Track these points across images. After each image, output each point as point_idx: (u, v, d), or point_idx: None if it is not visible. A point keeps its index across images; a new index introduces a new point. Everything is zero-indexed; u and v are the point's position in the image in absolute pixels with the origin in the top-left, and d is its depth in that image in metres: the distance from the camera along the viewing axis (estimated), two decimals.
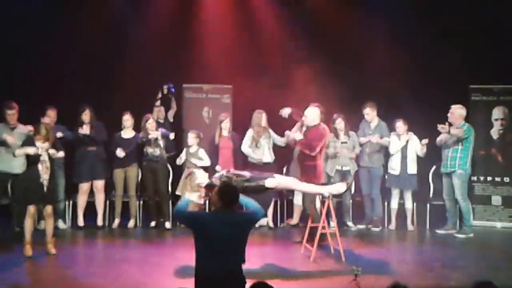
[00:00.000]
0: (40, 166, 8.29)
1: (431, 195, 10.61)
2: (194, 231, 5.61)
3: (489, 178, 10.71)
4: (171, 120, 11.11)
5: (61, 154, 8.67)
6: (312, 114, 8.98)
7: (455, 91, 10.56)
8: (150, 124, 10.27)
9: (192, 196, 6.69)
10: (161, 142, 10.33)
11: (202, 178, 8.06)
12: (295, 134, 9.06)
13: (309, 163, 8.85)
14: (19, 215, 8.93)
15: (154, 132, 10.23)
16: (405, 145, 10.26)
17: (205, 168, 9.66)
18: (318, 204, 9.25)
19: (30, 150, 8.34)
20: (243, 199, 5.90)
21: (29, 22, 10.75)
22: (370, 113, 10.40)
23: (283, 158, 10.63)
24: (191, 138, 10.36)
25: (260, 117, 10.23)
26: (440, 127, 9.78)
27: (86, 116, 10.17)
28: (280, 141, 10.23)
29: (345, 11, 11.22)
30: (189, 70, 11.45)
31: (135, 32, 11.23)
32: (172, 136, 10.43)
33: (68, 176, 10.28)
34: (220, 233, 5.45)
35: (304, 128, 9.10)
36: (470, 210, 10.08)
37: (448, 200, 10.15)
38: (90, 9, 10.94)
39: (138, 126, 10.43)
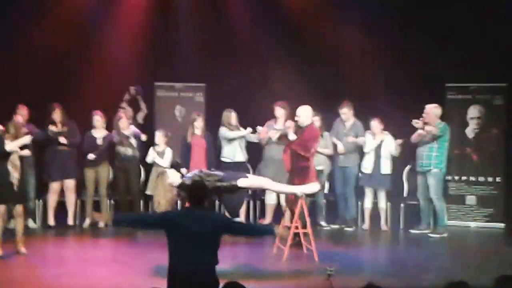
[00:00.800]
0: (9, 165, 8.17)
1: (405, 194, 10.57)
2: (165, 230, 5.61)
3: (463, 178, 10.69)
4: (141, 121, 10.98)
5: (25, 152, 8.50)
6: (305, 113, 8.85)
7: (431, 89, 10.56)
8: (122, 123, 10.16)
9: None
10: (133, 142, 10.21)
11: (174, 177, 8.01)
12: (289, 134, 8.95)
13: (302, 164, 8.72)
14: None
15: (126, 130, 10.13)
16: (379, 145, 10.22)
17: (176, 168, 9.56)
18: None
19: (25, 140, 8.30)
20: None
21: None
22: (347, 112, 10.34)
23: (257, 157, 10.53)
24: (159, 137, 10.26)
25: (229, 116, 10.15)
26: (414, 121, 9.75)
27: (56, 115, 10.07)
28: (253, 137, 10.16)
29: (320, 8, 11.19)
30: (160, 68, 11.39)
31: (106, 29, 11.14)
32: (143, 137, 10.33)
33: (38, 175, 10.13)
34: (191, 230, 5.45)
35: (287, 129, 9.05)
36: (444, 209, 10.05)
37: (423, 200, 10.11)
38: (60, 5, 10.85)
39: (109, 126, 10.32)
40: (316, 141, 8.92)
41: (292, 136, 8.87)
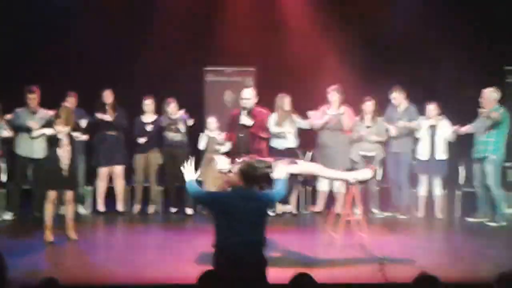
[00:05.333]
0: (60, 151, 8.20)
1: (461, 182, 10.31)
2: (213, 209, 5.65)
3: None
4: None
5: (85, 137, 8.52)
6: (253, 95, 9.08)
7: (488, 72, 10.25)
8: (172, 108, 10.09)
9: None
10: (181, 127, 10.13)
11: (223, 164, 7.91)
12: (343, 120, 9.24)
13: (262, 146, 9.09)
14: (40, 200, 8.84)
15: (177, 113, 10.08)
16: (434, 130, 9.96)
17: (226, 154, 9.47)
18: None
19: (47, 131, 8.34)
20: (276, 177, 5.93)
21: (50, 5, 10.65)
22: (397, 97, 10.10)
23: (308, 143, 10.38)
24: (213, 123, 10.15)
25: (283, 100, 9.96)
26: (480, 111, 9.49)
27: (107, 98, 10.06)
28: (304, 124, 9.98)
29: None
30: (210, 52, 11.27)
31: (156, 15, 11.04)
32: (191, 122, 10.22)
33: (89, 160, 10.20)
34: (240, 209, 5.48)
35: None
36: (502, 197, 9.70)
37: (480, 187, 9.80)
38: None
39: (159, 110, 10.28)
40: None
41: (347, 125, 8.79)
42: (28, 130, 9.40)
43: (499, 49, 10.30)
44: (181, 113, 10.13)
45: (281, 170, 6.23)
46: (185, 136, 10.22)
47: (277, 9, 11.33)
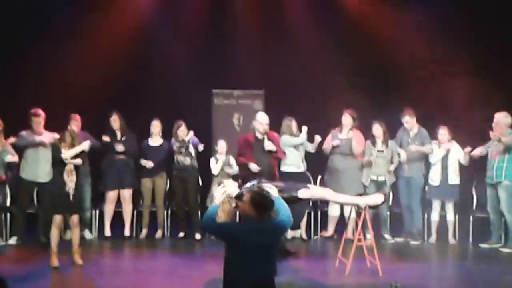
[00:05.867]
0: (65, 175, 8.09)
1: (474, 207, 10.20)
2: (226, 241, 5.46)
3: None
4: None
5: (78, 161, 8.37)
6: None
7: (501, 95, 10.17)
8: (182, 131, 10.01)
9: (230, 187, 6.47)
10: (192, 151, 10.03)
11: (231, 188, 7.77)
12: (352, 144, 9.23)
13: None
14: (45, 225, 8.77)
15: (189, 135, 9.99)
16: (446, 154, 9.88)
17: (234, 178, 9.36)
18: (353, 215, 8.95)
19: (84, 146, 8.24)
20: (277, 202, 5.65)
21: (54, 28, 10.64)
22: (409, 121, 10.01)
23: (317, 167, 10.27)
24: (223, 146, 10.07)
25: (290, 124, 9.86)
26: (491, 134, 9.39)
27: (115, 122, 9.99)
28: (311, 147, 9.87)
29: (386, 13, 11.00)
30: (218, 75, 11.28)
31: (163, 37, 11.06)
32: (201, 147, 10.14)
33: (94, 184, 10.11)
34: (254, 243, 5.29)
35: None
36: None
37: (493, 213, 9.69)
38: (116, 13, 10.86)
39: (165, 134, 10.19)
40: None
41: (356, 149, 9.04)
42: (36, 145, 9.32)
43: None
44: (191, 135, 10.02)
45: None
46: (195, 160, 10.13)
47: (286, 32, 11.32)
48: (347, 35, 11.18)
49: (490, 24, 10.54)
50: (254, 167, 8.89)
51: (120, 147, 9.93)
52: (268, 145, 8.96)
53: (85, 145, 8.29)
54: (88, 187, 9.93)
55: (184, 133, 10.03)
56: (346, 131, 9.86)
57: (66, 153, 8.14)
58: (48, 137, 9.42)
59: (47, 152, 8.95)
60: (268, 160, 8.99)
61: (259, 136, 9.05)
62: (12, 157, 9.32)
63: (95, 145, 9.70)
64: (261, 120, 9.00)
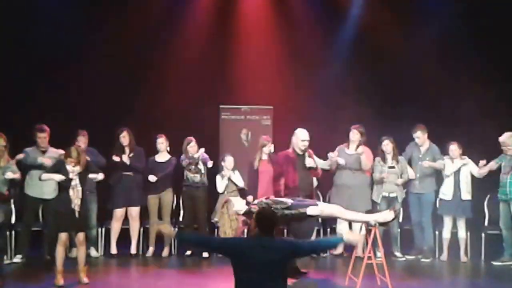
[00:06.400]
0: (71, 192, 8.01)
1: (486, 224, 10.05)
2: (231, 258, 5.35)
3: None
4: None
5: (101, 176, 8.44)
6: None
7: (508, 106, 10.12)
8: (192, 147, 9.91)
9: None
10: (201, 168, 9.94)
11: (239, 205, 7.71)
12: (362, 160, 9.09)
13: None
14: (50, 243, 8.67)
15: (199, 151, 9.89)
16: (457, 170, 9.76)
17: (242, 195, 9.25)
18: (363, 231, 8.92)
19: (57, 177, 8.08)
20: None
21: (61, 44, 10.60)
22: (421, 136, 9.92)
23: (325, 183, 10.18)
24: (231, 162, 9.97)
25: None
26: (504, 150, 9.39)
27: (124, 138, 9.90)
28: (324, 164, 9.74)
29: (396, 28, 10.92)
30: (226, 90, 11.20)
31: (171, 52, 11.01)
32: (210, 164, 10.03)
33: (101, 201, 9.99)
34: (258, 260, 5.19)
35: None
36: None
37: (505, 229, 9.56)
38: (122, 28, 10.77)
39: (175, 149, 10.08)
40: None
41: (365, 165, 9.20)
42: (40, 167, 9.22)
43: None
44: (202, 152, 9.93)
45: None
46: (205, 177, 10.04)
47: (295, 48, 11.26)
48: (356, 50, 11.12)
49: (496, 36, 10.46)
50: None
51: (124, 158, 9.83)
52: (310, 162, 8.81)
53: (59, 177, 8.08)
54: (95, 204, 9.82)
55: (194, 149, 9.93)
56: (354, 147, 9.73)
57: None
58: (52, 155, 9.34)
59: None
60: (308, 177, 8.85)
61: (299, 152, 8.87)
62: (12, 174, 9.07)
63: (100, 162, 9.62)
64: (301, 136, 8.81)
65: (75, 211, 8.00)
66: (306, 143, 8.75)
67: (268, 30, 11.24)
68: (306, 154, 8.86)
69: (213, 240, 5.83)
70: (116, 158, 9.83)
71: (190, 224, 10.08)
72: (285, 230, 9.31)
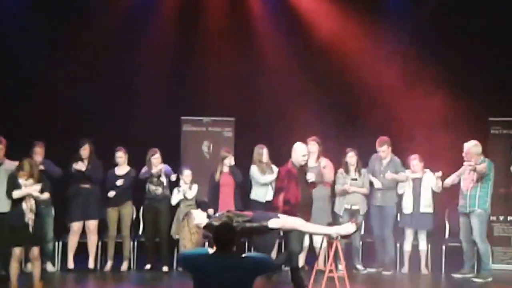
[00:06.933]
0: (24, 205, 7.82)
1: (446, 236, 10.10)
2: (191, 273, 5.19)
3: (509, 218, 10.20)
4: None
5: (45, 196, 8.13)
6: None
7: (473, 124, 10.12)
8: (156, 158, 9.78)
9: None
10: (164, 181, 9.81)
11: (200, 218, 7.58)
12: (324, 174, 9.15)
13: None
14: (4, 258, 8.40)
15: (158, 167, 9.75)
16: (419, 182, 9.77)
17: (203, 208, 9.13)
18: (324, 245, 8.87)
19: (31, 189, 7.86)
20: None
21: (18, 52, 10.49)
22: (386, 150, 9.91)
23: None
24: (189, 175, 9.84)
25: (261, 153, 9.69)
26: (466, 163, 9.34)
27: (85, 151, 9.73)
28: None
29: (356, 40, 10.92)
30: (188, 101, 11.10)
31: (131, 63, 10.92)
32: (174, 177, 9.93)
33: (57, 215, 9.80)
34: (218, 276, 5.04)
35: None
36: (489, 252, 9.50)
37: (466, 242, 9.59)
38: (84, 40, 10.68)
39: (136, 162, 9.96)
40: None
41: (329, 177, 9.23)
42: None
43: (484, 100, 10.24)
44: (164, 166, 9.85)
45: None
46: (167, 190, 9.93)
47: (257, 59, 11.21)
48: (318, 61, 11.09)
49: (456, 44, 10.53)
50: None
51: (79, 166, 9.66)
52: (312, 177, 8.71)
53: (36, 189, 7.90)
54: (51, 217, 9.63)
55: (158, 161, 9.81)
56: (314, 159, 9.64)
57: (15, 193, 7.86)
58: (8, 167, 9.07)
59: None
60: (309, 191, 8.72)
61: (298, 166, 8.75)
62: None
63: (56, 173, 9.47)
64: (301, 152, 8.65)
65: (28, 225, 7.81)
66: (306, 158, 8.64)
67: (230, 41, 11.16)
68: (307, 168, 8.75)
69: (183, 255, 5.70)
70: (77, 166, 9.65)
71: (151, 238, 9.94)
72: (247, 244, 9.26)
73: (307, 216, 8.01)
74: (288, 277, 8.25)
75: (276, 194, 8.58)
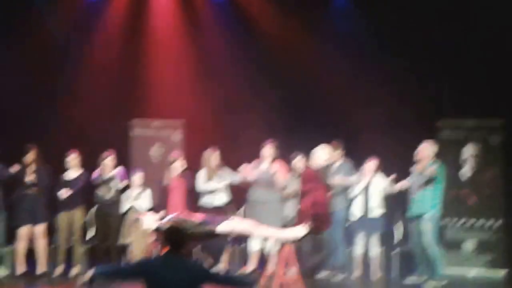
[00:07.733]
0: None
1: (397, 241, 10.06)
2: (143, 279, 5.12)
3: (460, 222, 10.29)
4: None
5: None
6: None
7: (423, 127, 10.18)
8: (109, 161, 9.70)
9: None
10: (115, 185, 9.75)
11: (150, 222, 7.55)
12: (277, 179, 9.22)
13: None
14: None
15: (110, 172, 9.66)
16: (369, 186, 9.79)
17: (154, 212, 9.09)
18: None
19: None
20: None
21: None
22: (337, 154, 9.89)
23: (239, 199, 10.04)
24: (140, 179, 9.76)
25: (210, 156, 9.64)
26: (414, 168, 9.39)
27: (30, 156, 9.58)
28: (236, 178, 9.65)
29: (307, 43, 10.95)
30: (136, 104, 11.06)
31: (77, 65, 10.88)
32: (125, 182, 9.85)
33: (10, 219, 9.67)
34: (167, 279, 5.01)
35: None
36: (440, 256, 9.47)
37: (416, 246, 9.54)
38: (30, 40, 10.64)
39: (84, 166, 9.85)
40: None
41: (281, 182, 9.15)
42: None
43: (433, 104, 10.34)
44: (117, 170, 9.77)
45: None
46: (118, 194, 9.84)
47: (206, 60, 11.22)
48: (266, 63, 11.06)
49: (409, 46, 10.60)
50: None
51: (30, 179, 9.54)
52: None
53: None
54: (1, 222, 9.56)
55: (111, 164, 9.71)
56: (267, 162, 9.64)
57: None
58: None
59: None
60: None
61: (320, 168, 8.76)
62: None
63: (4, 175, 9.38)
64: (321, 156, 8.72)
65: None
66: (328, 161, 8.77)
67: (178, 43, 11.18)
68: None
69: (127, 266, 5.63)
70: (14, 169, 9.52)
71: (101, 244, 9.85)
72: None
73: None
74: None
75: (302, 197, 8.68)
